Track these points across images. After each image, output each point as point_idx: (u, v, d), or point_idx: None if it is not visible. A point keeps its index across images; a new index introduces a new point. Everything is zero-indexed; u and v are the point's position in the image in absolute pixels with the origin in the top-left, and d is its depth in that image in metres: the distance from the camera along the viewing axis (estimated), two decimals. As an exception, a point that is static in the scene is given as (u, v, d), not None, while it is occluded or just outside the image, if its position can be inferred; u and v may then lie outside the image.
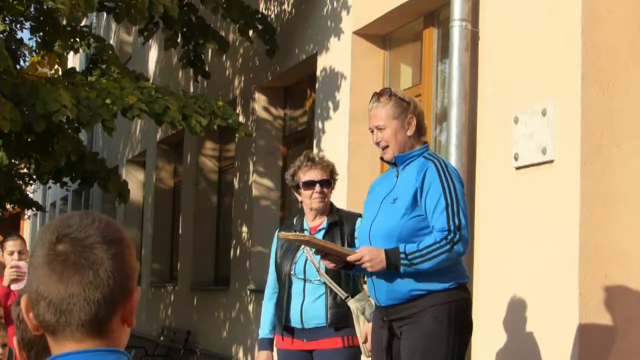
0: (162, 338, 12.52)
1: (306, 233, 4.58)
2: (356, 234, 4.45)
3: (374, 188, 4.15)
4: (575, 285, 4.49)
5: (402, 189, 3.87)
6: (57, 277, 1.48)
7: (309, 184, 4.57)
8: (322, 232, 4.56)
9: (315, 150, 7.63)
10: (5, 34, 6.54)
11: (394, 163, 3.99)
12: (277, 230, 4.86)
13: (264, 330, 4.72)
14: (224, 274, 10.73)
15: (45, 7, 7.59)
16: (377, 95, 3.99)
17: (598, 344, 4.51)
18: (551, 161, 4.75)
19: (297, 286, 4.55)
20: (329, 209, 4.63)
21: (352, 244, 4.45)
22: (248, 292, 9.50)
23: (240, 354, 9.65)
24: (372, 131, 3.99)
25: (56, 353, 1.50)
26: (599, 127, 4.59)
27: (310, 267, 4.50)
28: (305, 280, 4.52)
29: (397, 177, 3.96)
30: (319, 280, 4.48)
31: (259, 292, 9.17)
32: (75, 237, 1.49)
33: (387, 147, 3.94)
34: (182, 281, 12.06)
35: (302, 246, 4.54)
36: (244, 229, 9.76)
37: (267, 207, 9.51)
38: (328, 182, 4.58)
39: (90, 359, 1.48)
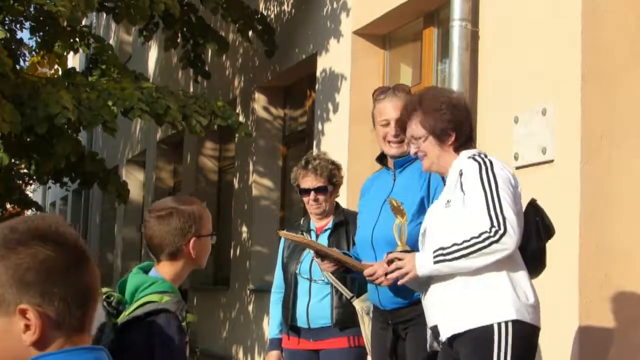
0: (162, 338, 12.49)
1: (312, 234, 4.60)
2: (355, 238, 4.38)
3: (367, 189, 4.11)
4: (575, 284, 4.49)
5: (405, 194, 3.81)
6: None
7: (303, 192, 4.58)
8: (328, 232, 4.56)
9: (315, 151, 7.63)
10: (3, 41, 6.52)
11: (384, 162, 3.96)
12: (286, 231, 4.84)
13: (273, 331, 4.73)
14: (224, 274, 10.72)
15: (45, 7, 7.58)
16: (393, 89, 3.97)
17: (598, 343, 4.50)
18: (551, 161, 4.75)
19: (302, 286, 4.54)
20: (335, 209, 4.63)
21: None
22: (248, 292, 9.50)
23: (240, 354, 9.64)
24: (387, 124, 3.89)
25: None
26: (599, 127, 4.59)
27: (315, 267, 4.46)
28: (311, 280, 4.51)
29: (395, 180, 3.92)
30: (324, 280, 4.48)
31: (259, 292, 9.17)
32: None
33: (402, 142, 3.82)
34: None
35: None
36: (244, 229, 9.76)
37: (267, 207, 9.51)
38: (323, 189, 4.54)
39: (70, 358, 1.48)
